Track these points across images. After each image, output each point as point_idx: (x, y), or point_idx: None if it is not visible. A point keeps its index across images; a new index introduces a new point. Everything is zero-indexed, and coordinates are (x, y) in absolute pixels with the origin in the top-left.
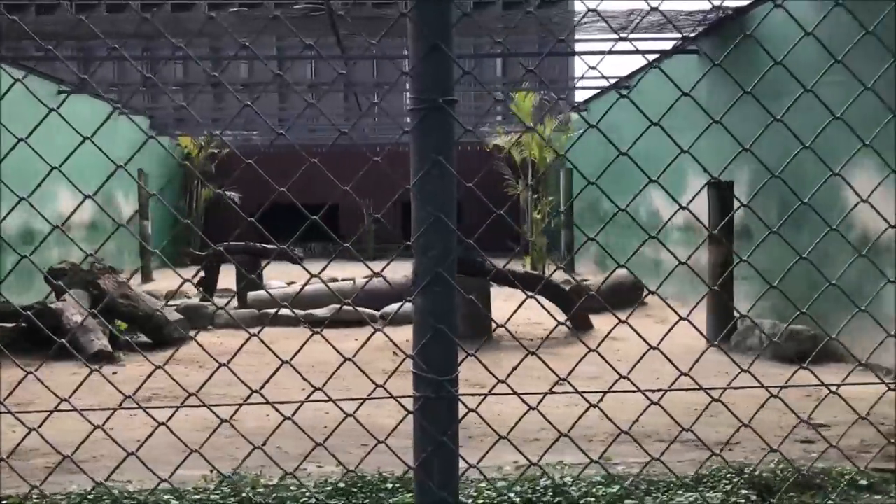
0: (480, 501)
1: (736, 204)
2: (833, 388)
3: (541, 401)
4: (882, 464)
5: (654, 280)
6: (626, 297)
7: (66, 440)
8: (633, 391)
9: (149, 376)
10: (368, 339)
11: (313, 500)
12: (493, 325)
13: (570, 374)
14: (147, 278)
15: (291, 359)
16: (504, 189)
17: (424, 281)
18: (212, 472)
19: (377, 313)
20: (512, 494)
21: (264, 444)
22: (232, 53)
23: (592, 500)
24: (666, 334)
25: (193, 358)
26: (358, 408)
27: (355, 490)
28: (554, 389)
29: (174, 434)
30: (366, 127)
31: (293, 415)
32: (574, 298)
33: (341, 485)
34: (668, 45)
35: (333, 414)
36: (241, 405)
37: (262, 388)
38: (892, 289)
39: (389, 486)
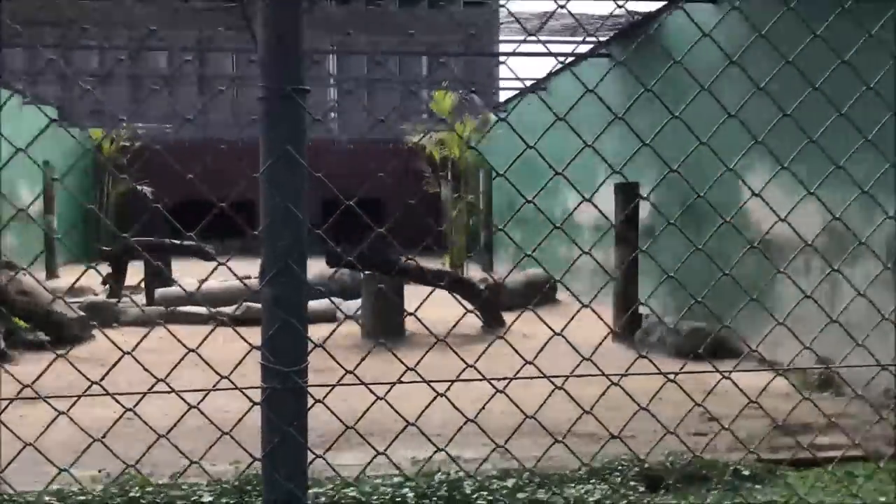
0: (375, 497)
1: (636, 203)
2: (726, 374)
3: (448, 389)
4: (768, 455)
5: (567, 280)
6: (539, 293)
7: None
8: (539, 377)
9: (46, 368)
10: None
11: (205, 500)
12: (414, 322)
13: (477, 360)
14: (52, 274)
15: (198, 347)
16: (424, 187)
17: (272, 272)
18: (100, 471)
19: None
20: (406, 490)
21: (156, 442)
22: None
23: (486, 493)
24: (570, 321)
25: (95, 356)
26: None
27: (249, 488)
28: (458, 383)
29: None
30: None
31: (198, 403)
32: (487, 296)
33: (235, 483)
34: (584, 49)
35: (235, 412)
36: (144, 394)
37: (166, 376)
38: (789, 287)
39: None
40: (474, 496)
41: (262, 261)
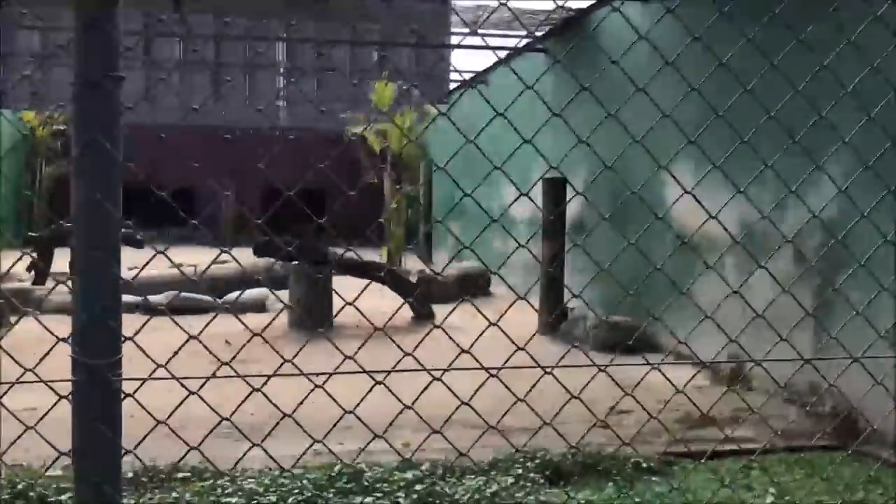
0: (273, 489)
1: (569, 197)
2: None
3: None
4: (672, 447)
5: (502, 273)
6: (473, 287)
7: None
8: (472, 368)
9: None
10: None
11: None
12: (338, 313)
13: (415, 348)
14: None
15: (134, 335)
16: (365, 179)
17: (83, 264)
18: None
19: (218, 300)
20: (305, 481)
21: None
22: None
23: (384, 484)
24: (504, 312)
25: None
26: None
27: (145, 480)
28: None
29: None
30: (235, 110)
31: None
32: (416, 287)
33: (129, 475)
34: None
35: (158, 404)
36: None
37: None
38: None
39: (181, 475)
40: (373, 486)
41: (71, 253)
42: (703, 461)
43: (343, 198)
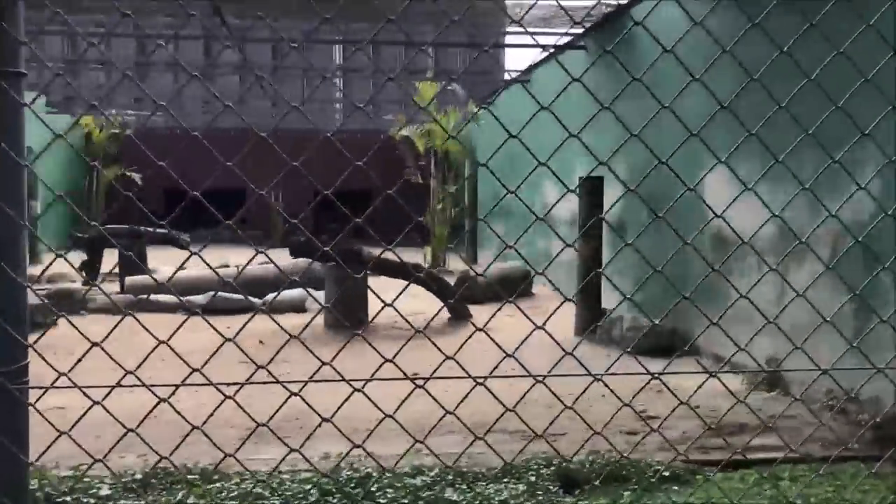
0: (279, 493)
1: (606, 198)
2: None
3: (426, 382)
4: (698, 455)
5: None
6: (514, 288)
7: None
8: (508, 376)
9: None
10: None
11: (105, 492)
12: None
13: (456, 352)
14: (35, 260)
15: (168, 339)
16: (407, 178)
17: None
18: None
19: (258, 301)
20: (310, 486)
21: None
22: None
23: (391, 491)
24: (550, 316)
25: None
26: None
27: (154, 482)
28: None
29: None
30: (273, 113)
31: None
32: (449, 287)
33: (138, 476)
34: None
35: (175, 405)
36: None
37: (136, 369)
38: (747, 285)
39: (190, 477)
40: (378, 493)
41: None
42: (717, 470)
43: (384, 198)
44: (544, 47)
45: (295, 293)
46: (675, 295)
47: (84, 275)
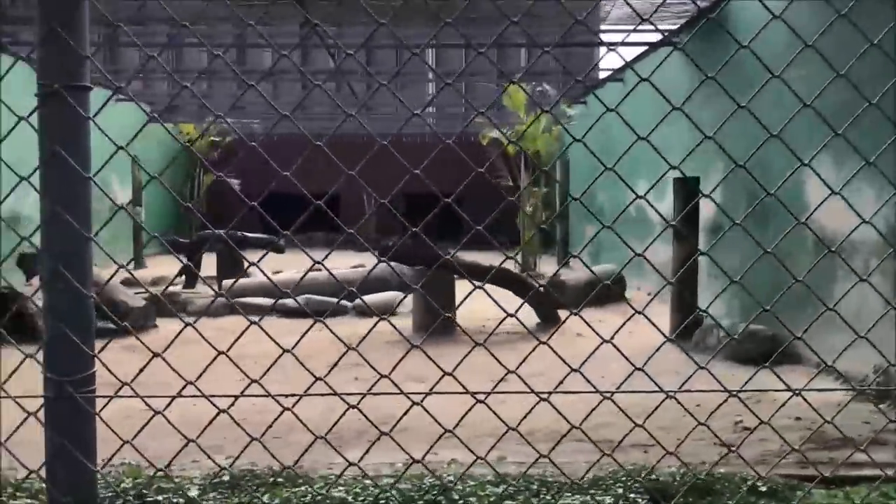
0: (361, 498)
1: (701, 199)
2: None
3: (488, 395)
4: (796, 470)
5: (638, 276)
6: (604, 292)
7: None
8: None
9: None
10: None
11: (193, 492)
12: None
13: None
14: (139, 265)
15: (229, 348)
16: (496, 180)
17: (47, 279)
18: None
19: (349, 304)
20: (394, 492)
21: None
22: (227, 41)
23: (474, 499)
24: (621, 326)
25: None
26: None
27: (241, 484)
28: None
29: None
30: (365, 116)
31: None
32: (535, 289)
33: (226, 478)
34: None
35: (273, 407)
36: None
37: (197, 378)
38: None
39: (272, 480)
40: (461, 501)
41: (41, 269)
42: (813, 485)
43: (476, 203)
44: (634, 49)
45: (387, 296)
46: (779, 300)
47: (184, 278)
